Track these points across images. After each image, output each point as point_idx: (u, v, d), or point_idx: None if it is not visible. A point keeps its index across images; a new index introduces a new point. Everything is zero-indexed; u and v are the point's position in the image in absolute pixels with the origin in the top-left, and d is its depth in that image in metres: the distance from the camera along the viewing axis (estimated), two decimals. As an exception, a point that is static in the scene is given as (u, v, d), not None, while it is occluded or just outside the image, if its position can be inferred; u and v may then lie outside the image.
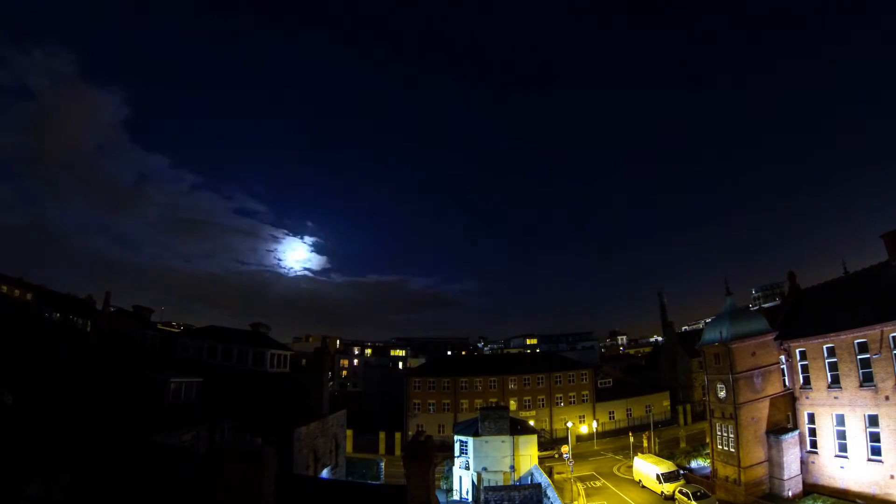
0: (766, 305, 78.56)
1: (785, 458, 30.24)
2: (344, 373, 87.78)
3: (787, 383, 32.96)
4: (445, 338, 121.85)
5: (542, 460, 41.80)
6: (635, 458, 40.52)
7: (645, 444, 47.21)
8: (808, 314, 34.16)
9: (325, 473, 33.11)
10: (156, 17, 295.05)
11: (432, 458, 13.61)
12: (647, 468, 37.00)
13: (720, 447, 33.29)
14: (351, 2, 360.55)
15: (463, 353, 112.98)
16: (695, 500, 30.80)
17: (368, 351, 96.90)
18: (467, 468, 38.78)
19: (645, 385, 71.19)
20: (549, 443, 56.50)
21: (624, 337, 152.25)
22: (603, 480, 40.36)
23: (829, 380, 29.56)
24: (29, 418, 15.72)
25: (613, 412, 65.23)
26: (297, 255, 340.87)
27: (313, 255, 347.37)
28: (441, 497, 38.40)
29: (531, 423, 49.14)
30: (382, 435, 56.37)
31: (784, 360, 33.13)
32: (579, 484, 39.05)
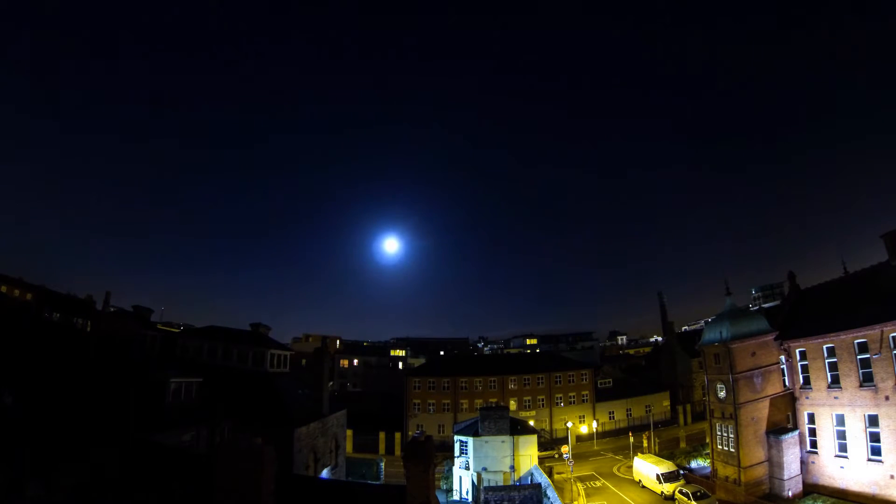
0: (766, 305, 78.48)
1: (785, 458, 30.23)
2: (344, 372, 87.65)
3: (787, 383, 32.94)
4: (445, 338, 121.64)
5: (542, 460, 41.78)
6: (635, 458, 40.49)
7: (645, 444, 47.19)
8: (808, 314, 34.15)
9: (325, 473, 33.09)
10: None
11: (432, 458, 13.61)
12: (647, 468, 36.98)
13: (720, 447, 33.28)
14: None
15: (462, 353, 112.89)
16: (695, 500, 30.80)
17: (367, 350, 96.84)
18: (467, 468, 38.76)
19: (645, 385, 71.11)
20: (549, 443, 56.46)
21: (624, 337, 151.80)
22: (603, 480, 40.34)
23: (829, 380, 29.55)
24: (29, 418, 15.72)
25: (613, 412, 65.19)
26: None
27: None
28: (441, 497, 38.38)
29: (531, 423, 49.13)
30: (382, 435, 56.34)
31: (784, 360, 33.11)
32: (579, 484, 39.03)
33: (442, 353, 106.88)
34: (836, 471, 28.53)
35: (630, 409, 65.48)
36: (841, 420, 28.61)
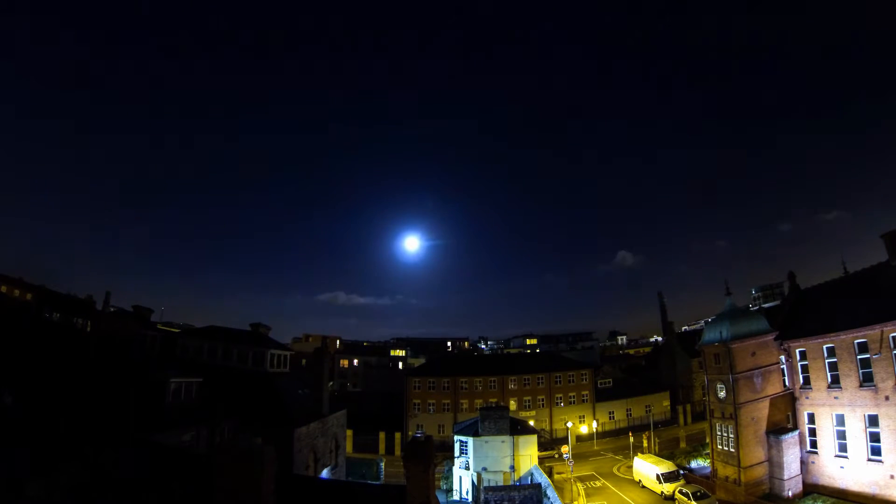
0: (766, 305, 78.43)
1: (785, 458, 30.25)
2: (344, 372, 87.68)
3: (787, 383, 32.95)
4: (445, 338, 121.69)
5: (542, 460, 41.80)
6: (635, 458, 40.51)
7: (645, 444, 47.21)
8: (808, 314, 34.15)
9: (325, 473, 33.10)
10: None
11: (432, 458, 13.61)
12: (647, 468, 36.99)
13: (720, 447, 33.29)
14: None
15: (462, 353, 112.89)
16: (695, 500, 30.81)
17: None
18: (467, 468, 38.77)
19: (645, 385, 71.14)
20: (549, 443, 56.49)
21: (624, 337, 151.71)
22: (603, 480, 40.36)
23: (829, 380, 29.56)
24: (29, 418, 15.73)
25: (613, 412, 65.22)
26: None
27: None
28: (441, 497, 38.40)
29: (531, 423, 49.14)
30: (382, 435, 56.36)
31: (784, 360, 33.12)
32: (579, 484, 39.05)
33: (442, 353, 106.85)
34: (836, 471, 28.54)
35: (630, 409, 65.50)
36: (841, 420, 28.62)
